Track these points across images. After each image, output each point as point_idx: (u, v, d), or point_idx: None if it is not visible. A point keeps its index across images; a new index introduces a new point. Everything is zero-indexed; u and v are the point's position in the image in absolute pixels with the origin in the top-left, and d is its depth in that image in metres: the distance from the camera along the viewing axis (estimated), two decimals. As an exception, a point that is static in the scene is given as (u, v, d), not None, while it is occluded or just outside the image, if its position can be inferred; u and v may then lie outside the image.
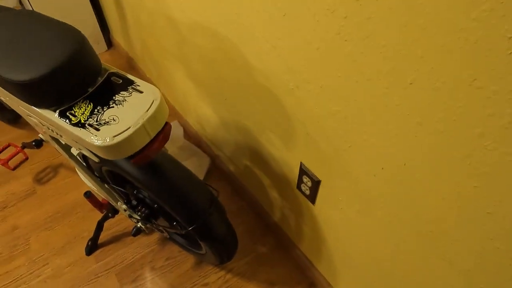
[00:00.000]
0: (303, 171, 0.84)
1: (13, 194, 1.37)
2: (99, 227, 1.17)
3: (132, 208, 0.93)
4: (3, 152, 1.42)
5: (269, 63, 0.73)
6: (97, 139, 0.59)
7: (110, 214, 1.12)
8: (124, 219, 1.27)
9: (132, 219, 0.98)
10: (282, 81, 0.72)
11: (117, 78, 0.68)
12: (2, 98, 0.77)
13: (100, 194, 1.00)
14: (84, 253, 1.19)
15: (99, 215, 1.29)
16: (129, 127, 0.60)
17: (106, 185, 0.92)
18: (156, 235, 1.23)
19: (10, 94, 0.68)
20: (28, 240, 1.23)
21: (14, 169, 1.28)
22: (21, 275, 1.14)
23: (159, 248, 1.20)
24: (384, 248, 0.72)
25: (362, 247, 0.80)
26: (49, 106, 0.64)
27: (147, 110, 0.62)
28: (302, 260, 1.11)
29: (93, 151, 0.62)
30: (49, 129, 0.71)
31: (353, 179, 0.69)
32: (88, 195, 0.97)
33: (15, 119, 1.57)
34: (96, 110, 0.63)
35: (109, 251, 1.20)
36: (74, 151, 0.97)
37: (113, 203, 0.98)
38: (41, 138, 1.20)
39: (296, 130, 0.78)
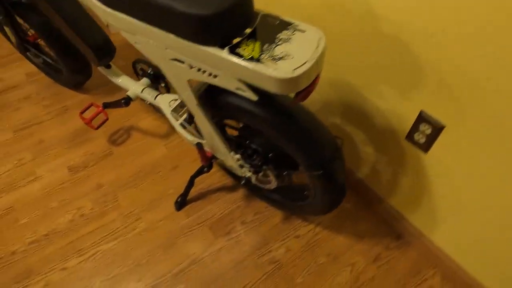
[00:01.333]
0: (422, 119, 0.87)
1: (92, 154, 1.39)
2: (191, 182, 1.21)
3: (247, 157, 0.96)
4: (85, 112, 1.45)
5: (405, 11, 0.75)
6: (278, 72, 0.61)
7: (206, 169, 1.15)
8: (207, 177, 1.30)
9: (242, 168, 1.01)
10: (419, 28, 0.74)
11: (272, 19, 0.70)
12: (139, 43, 0.78)
13: (209, 146, 1.02)
14: (174, 208, 1.23)
15: (180, 175, 1.32)
16: (306, 61, 0.62)
17: (220, 136, 0.94)
18: (240, 193, 1.27)
19: (160, 34, 0.70)
20: (116, 197, 1.26)
21: (97, 128, 1.30)
22: (117, 228, 1.18)
23: (245, 204, 1.24)
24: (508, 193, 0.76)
25: (480, 193, 0.84)
26: (214, 44, 0.66)
27: (317, 47, 0.64)
28: (389, 214, 1.16)
29: (265, 86, 0.64)
30: (199, 70, 0.73)
31: (491, 122, 0.72)
32: (200, 146, 1.00)
33: (79, 84, 1.57)
34: (264, 47, 0.65)
35: (197, 207, 1.24)
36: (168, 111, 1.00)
37: (223, 154, 1.00)
38: (129, 96, 1.22)
39: (425, 78, 0.81)
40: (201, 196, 1.26)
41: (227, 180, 1.31)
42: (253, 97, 0.70)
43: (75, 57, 1.39)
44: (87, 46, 1.12)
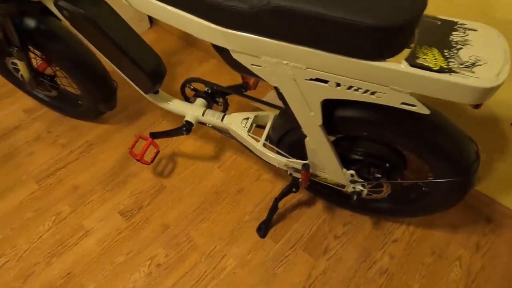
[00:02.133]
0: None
1: (141, 192, 1.22)
2: (275, 206, 1.10)
3: (362, 171, 0.88)
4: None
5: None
6: (481, 81, 0.54)
7: (294, 189, 1.05)
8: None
9: (353, 184, 0.93)
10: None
11: (431, 20, 0.63)
12: (261, 65, 0.67)
13: (313, 165, 0.92)
14: (258, 236, 1.12)
15: (249, 198, 1.21)
16: (503, 64, 0.56)
17: (336, 154, 0.85)
18: (319, 205, 1.19)
19: (308, 53, 0.59)
20: (189, 236, 1.12)
21: (151, 162, 1.13)
22: (204, 272, 1.05)
23: (329, 216, 1.17)
24: None
25: None
26: (381, 57, 0.57)
27: (502, 46, 0.58)
28: (477, 199, 1.15)
29: (457, 97, 0.56)
30: (350, 88, 0.63)
31: None
32: (307, 167, 0.89)
33: (99, 114, 1.37)
34: (444, 53, 0.57)
35: (281, 230, 1.14)
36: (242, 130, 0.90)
37: (332, 172, 0.91)
38: (189, 121, 1.08)
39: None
40: (280, 217, 1.16)
41: (300, 195, 1.22)
42: (426, 110, 0.62)
43: (102, 85, 1.19)
44: (142, 72, 0.96)
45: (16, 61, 1.08)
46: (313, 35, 0.57)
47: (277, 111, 1.05)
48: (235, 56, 0.68)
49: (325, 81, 0.65)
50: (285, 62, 0.64)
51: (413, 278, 1.04)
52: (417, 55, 0.58)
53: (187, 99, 1.16)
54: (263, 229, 1.12)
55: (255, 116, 1.05)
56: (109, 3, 0.93)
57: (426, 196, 0.94)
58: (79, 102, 1.34)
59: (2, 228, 1.14)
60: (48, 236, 1.12)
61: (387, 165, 0.87)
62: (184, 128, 1.07)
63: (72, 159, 1.31)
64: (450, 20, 0.62)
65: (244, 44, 0.65)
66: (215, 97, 1.12)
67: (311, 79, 0.66)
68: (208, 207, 1.19)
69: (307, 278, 1.04)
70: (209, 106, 1.13)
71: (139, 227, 1.14)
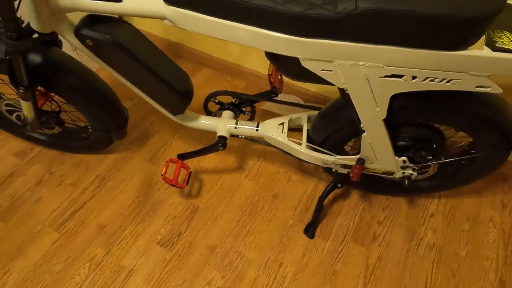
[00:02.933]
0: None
1: (174, 218, 1.16)
2: (321, 205, 1.11)
3: (415, 156, 0.92)
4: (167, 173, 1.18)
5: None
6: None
7: (339, 185, 1.06)
8: (312, 192, 1.21)
9: (403, 170, 0.96)
10: None
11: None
12: (334, 69, 0.67)
13: (367, 159, 0.94)
14: (307, 237, 1.12)
15: (286, 201, 1.20)
16: None
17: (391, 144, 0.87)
18: (353, 195, 1.22)
19: (388, 52, 0.61)
20: (239, 252, 1.09)
21: (186, 185, 1.07)
22: (266, 285, 1.03)
23: (367, 204, 1.20)
24: None
25: None
26: (458, 46, 0.60)
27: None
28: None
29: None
30: (425, 80, 0.66)
31: None
32: (363, 161, 0.91)
33: (108, 145, 1.27)
34: (515, 34, 0.62)
35: (327, 227, 1.15)
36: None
37: (385, 162, 0.93)
38: (222, 136, 1.04)
39: None
40: (321, 215, 1.17)
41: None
42: (499, 90, 0.66)
43: (116, 113, 1.11)
44: (174, 93, 0.90)
45: (16, 102, 0.96)
46: (400, 33, 0.58)
47: (309, 111, 1.05)
48: (305, 64, 0.67)
49: (400, 76, 0.67)
50: (361, 63, 0.65)
51: (459, 247, 1.11)
52: (494, 39, 0.61)
53: (209, 114, 1.12)
54: (311, 230, 1.12)
55: (289, 120, 1.04)
56: (130, 23, 0.86)
57: (465, 168, 1.00)
58: (83, 135, 1.24)
59: (30, 288, 1.02)
60: (89, 285, 1.02)
61: (434, 146, 0.92)
62: (219, 144, 1.03)
63: (87, 197, 1.21)
64: (513, 4, 0.67)
65: (319, 51, 0.64)
66: (241, 107, 1.09)
67: (385, 76, 0.67)
68: (249, 219, 1.17)
69: (366, 267, 1.07)
70: (235, 116, 1.10)
71: (185, 254, 1.09)
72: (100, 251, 1.09)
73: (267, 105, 1.49)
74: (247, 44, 0.69)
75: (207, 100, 1.07)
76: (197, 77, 1.62)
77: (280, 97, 1.07)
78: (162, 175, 1.07)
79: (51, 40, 0.90)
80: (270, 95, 1.05)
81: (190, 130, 1.40)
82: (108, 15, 0.79)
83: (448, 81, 0.66)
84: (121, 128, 1.15)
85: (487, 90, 0.67)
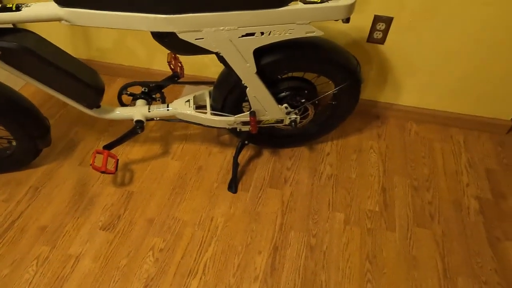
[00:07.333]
0: (377, 20, 1.27)
1: (112, 205, 1.28)
2: (236, 163, 1.31)
3: (292, 101, 1.17)
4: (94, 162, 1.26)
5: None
6: (346, 1, 0.87)
7: (246, 142, 1.28)
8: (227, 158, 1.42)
9: (288, 115, 1.20)
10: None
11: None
12: (204, 37, 0.89)
13: (257, 111, 1.16)
14: (231, 193, 1.32)
15: (209, 171, 1.39)
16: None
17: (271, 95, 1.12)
18: (265, 153, 1.45)
19: (237, 16, 0.85)
20: (175, 217, 1.25)
21: (115, 171, 1.20)
22: (202, 237, 1.20)
23: (276, 157, 1.44)
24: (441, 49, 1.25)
25: (426, 54, 1.32)
26: (285, 3, 0.86)
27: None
28: (365, 105, 1.58)
29: (335, 17, 0.89)
30: (269, 34, 0.91)
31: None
32: (254, 114, 1.13)
33: (36, 155, 1.34)
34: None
35: (246, 181, 1.36)
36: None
37: (272, 112, 1.16)
38: (139, 120, 1.21)
39: (372, -8, 1.20)
40: (241, 174, 1.39)
41: (249, 152, 1.46)
42: (320, 32, 0.93)
43: (37, 120, 1.20)
44: (87, 87, 1.05)
45: None
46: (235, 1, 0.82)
47: (210, 87, 1.27)
48: (182, 36, 0.88)
49: (252, 34, 0.91)
50: (221, 28, 0.88)
51: (350, 172, 1.40)
52: (303, -3, 0.88)
53: (124, 106, 1.27)
54: (233, 186, 1.33)
55: (194, 96, 1.25)
56: (32, 30, 1.00)
57: (337, 108, 1.29)
58: (8, 152, 1.31)
59: (-20, 296, 1.07)
60: (39, 279, 1.10)
61: (306, 91, 1.19)
62: (137, 127, 1.19)
63: (23, 207, 1.28)
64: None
65: (187, 23, 0.85)
66: (152, 94, 1.27)
67: (242, 36, 0.90)
68: (180, 191, 1.33)
69: (282, 203, 1.30)
70: (148, 103, 1.27)
71: (127, 231, 1.22)
72: (45, 249, 1.17)
73: (184, 93, 1.68)
74: (133, 28, 0.88)
75: (120, 93, 1.23)
76: (113, 87, 1.76)
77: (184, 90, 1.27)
78: (90, 164, 1.19)
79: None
80: (173, 79, 1.25)
81: (114, 132, 1.54)
82: (10, 24, 0.93)
83: (287, 32, 0.92)
84: (45, 134, 1.25)
85: (313, 34, 0.94)
